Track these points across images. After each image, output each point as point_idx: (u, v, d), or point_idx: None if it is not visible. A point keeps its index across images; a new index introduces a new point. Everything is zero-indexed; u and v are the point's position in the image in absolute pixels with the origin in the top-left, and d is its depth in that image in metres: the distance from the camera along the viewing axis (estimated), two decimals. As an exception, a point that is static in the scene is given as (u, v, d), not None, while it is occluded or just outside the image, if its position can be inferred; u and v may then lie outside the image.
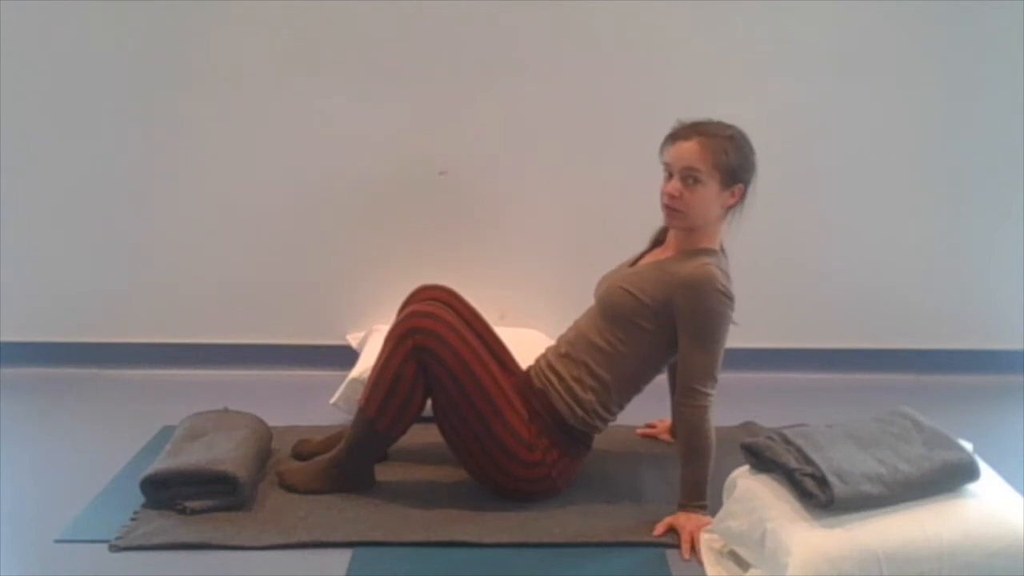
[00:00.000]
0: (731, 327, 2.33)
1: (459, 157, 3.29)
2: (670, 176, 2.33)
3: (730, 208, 2.36)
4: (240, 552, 2.20)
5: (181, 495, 2.35)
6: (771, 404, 3.12)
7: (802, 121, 3.26)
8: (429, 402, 2.39)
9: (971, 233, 3.37)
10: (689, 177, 2.29)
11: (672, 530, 2.27)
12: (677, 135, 2.33)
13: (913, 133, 3.29)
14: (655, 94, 3.18)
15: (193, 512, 2.33)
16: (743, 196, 2.35)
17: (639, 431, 2.85)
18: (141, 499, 2.38)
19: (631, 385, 2.43)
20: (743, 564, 2.10)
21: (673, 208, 2.33)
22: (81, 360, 3.37)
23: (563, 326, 2.54)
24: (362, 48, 3.20)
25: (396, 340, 2.33)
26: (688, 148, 2.29)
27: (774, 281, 3.33)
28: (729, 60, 3.21)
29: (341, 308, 3.37)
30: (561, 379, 2.41)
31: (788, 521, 1.97)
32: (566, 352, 2.44)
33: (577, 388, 2.39)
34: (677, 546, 2.23)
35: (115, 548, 2.21)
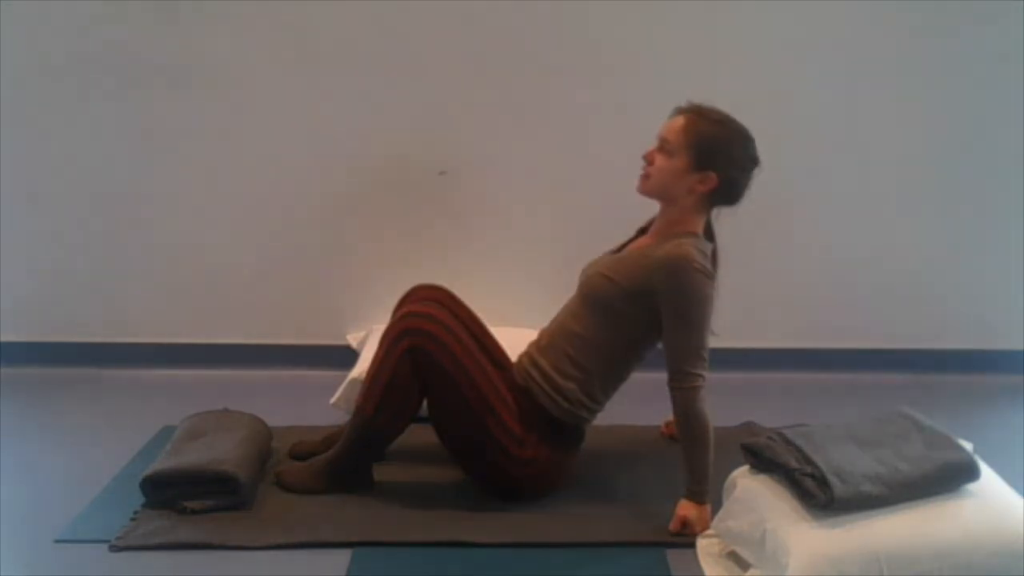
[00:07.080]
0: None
1: (459, 157, 3.29)
2: None
3: (702, 194, 2.35)
4: (240, 552, 2.20)
5: (181, 495, 2.35)
6: (771, 404, 3.12)
7: (802, 121, 3.26)
8: (425, 402, 2.39)
9: (970, 233, 3.37)
10: (664, 146, 2.34)
11: (684, 525, 2.27)
12: (678, 110, 2.38)
13: (913, 133, 3.28)
14: (656, 94, 3.15)
15: (193, 512, 2.33)
16: (718, 187, 2.33)
17: (663, 430, 2.82)
18: (141, 499, 2.38)
19: (613, 373, 2.43)
20: (743, 564, 2.11)
21: (644, 172, 2.38)
22: (81, 360, 3.37)
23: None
24: (361, 47, 3.20)
25: (391, 341, 2.34)
26: (676, 122, 2.35)
27: (774, 281, 3.34)
28: (728, 59, 3.21)
29: (341, 308, 3.37)
30: (542, 372, 2.41)
31: (788, 521, 1.97)
32: (547, 343, 2.45)
33: (558, 378, 2.39)
34: (677, 546, 2.23)
35: (115, 548, 2.21)
